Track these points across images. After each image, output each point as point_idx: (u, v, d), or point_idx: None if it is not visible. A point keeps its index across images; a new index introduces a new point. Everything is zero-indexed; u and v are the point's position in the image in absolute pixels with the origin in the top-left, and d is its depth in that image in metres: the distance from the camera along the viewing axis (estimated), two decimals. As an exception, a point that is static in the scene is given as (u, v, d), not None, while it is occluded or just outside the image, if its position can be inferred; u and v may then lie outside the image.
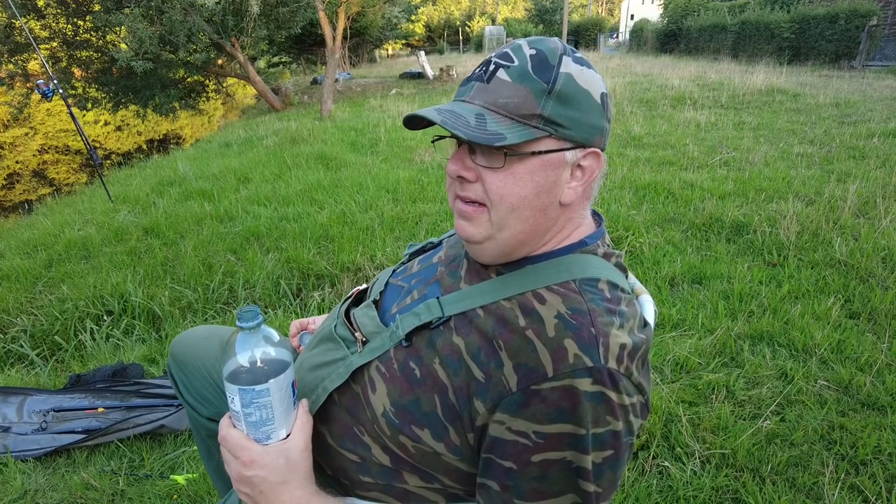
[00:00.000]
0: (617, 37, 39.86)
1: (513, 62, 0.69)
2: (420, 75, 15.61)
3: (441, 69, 15.16)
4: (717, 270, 2.86)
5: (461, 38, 44.34)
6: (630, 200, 3.93)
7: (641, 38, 25.82)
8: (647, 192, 4.08)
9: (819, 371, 2.04)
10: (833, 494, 1.51)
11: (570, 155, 0.70)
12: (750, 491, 1.53)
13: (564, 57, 0.69)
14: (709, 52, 19.78)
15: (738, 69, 12.61)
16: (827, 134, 5.71)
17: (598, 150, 0.72)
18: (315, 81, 16.33)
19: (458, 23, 48.67)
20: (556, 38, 0.73)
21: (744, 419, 1.83)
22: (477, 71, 0.72)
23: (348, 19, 10.96)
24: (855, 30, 14.28)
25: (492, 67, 0.70)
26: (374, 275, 3.03)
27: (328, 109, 9.13)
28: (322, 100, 9.24)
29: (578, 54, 0.72)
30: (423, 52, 16.85)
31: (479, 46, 36.92)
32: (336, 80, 11.95)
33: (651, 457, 1.68)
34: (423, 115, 0.69)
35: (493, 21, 48.17)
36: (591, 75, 0.71)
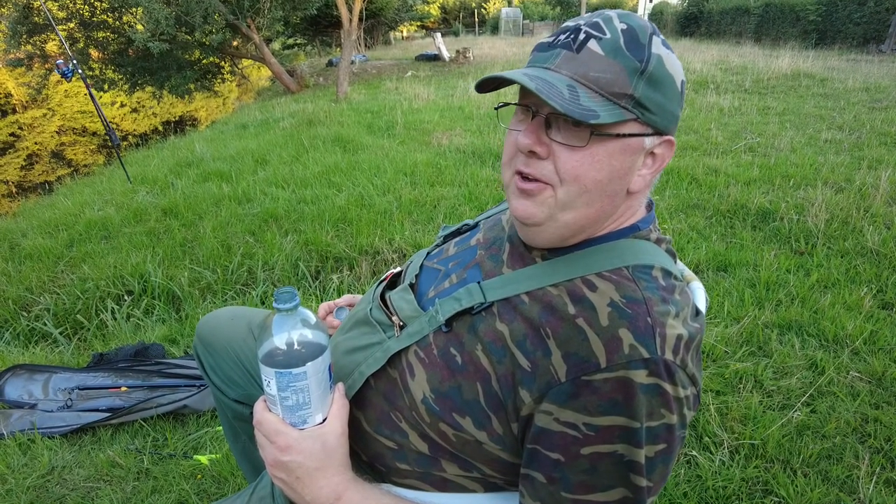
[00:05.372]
0: (636, 19, 38.95)
1: (605, 34, 0.63)
2: (436, 57, 15.40)
3: (458, 51, 14.94)
4: (742, 258, 2.80)
5: (476, 20, 43.76)
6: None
7: (661, 21, 25.26)
8: (670, 178, 4.00)
9: (851, 362, 1.99)
10: (868, 488, 1.47)
11: (649, 141, 0.66)
12: (781, 483, 1.50)
13: (654, 37, 0.65)
14: (731, 36, 19.29)
15: (761, 53, 12.28)
16: (856, 120, 5.55)
17: (673, 139, 0.69)
18: (330, 63, 16.20)
19: (473, 4, 47.98)
20: (641, 16, 0.70)
21: (773, 409, 1.79)
22: (562, 37, 0.66)
23: (364, 0, 10.84)
24: (885, 12, 13.81)
25: (582, 36, 0.64)
26: (393, 258, 3.01)
27: (344, 91, 9.06)
28: (338, 82, 9.16)
29: (662, 37, 0.67)
30: (439, 34, 16.59)
31: (494, 29, 36.37)
32: (352, 62, 11.85)
33: (678, 446, 1.65)
34: (511, 77, 0.62)
35: (510, 3, 47.43)
36: (675, 60, 0.67)
